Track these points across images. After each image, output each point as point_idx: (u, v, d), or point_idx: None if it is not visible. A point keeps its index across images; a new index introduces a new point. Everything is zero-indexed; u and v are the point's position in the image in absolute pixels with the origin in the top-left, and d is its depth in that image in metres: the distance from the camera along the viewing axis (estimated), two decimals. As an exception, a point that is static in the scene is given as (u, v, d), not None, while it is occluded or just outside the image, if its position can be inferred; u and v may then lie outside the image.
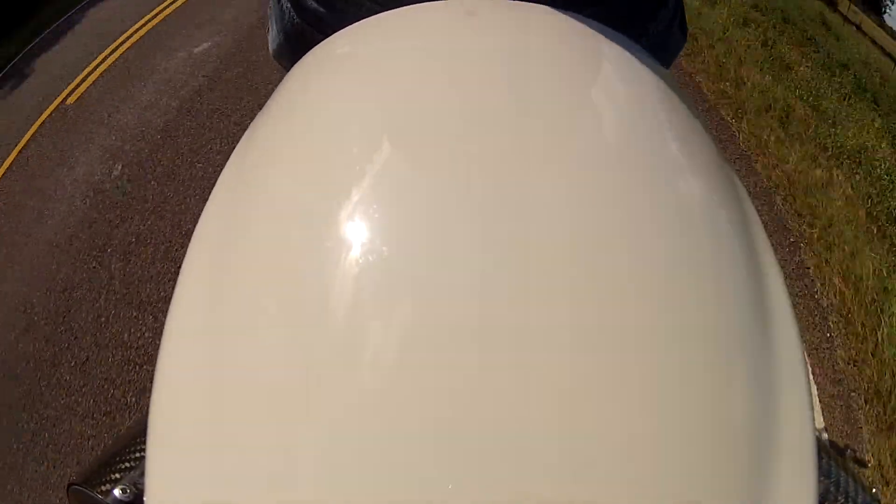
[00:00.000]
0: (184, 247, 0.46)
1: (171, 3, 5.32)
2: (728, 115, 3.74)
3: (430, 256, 0.32)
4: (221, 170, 0.46)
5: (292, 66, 0.52)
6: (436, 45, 0.44)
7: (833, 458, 0.47)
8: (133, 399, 2.40)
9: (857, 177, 3.56)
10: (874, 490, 0.45)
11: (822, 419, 2.18)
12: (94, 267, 3.00)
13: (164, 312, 0.39)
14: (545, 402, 0.28)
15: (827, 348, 2.49)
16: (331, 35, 0.48)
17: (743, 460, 0.30)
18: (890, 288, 2.77)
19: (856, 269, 2.79)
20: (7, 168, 3.93)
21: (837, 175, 3.47)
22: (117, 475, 0.43)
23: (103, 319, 2.74)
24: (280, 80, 0.53)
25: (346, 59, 0.47)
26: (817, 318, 2.58)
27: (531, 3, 0.45)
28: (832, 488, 0.43)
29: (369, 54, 0.46)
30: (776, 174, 3.30)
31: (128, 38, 4.96)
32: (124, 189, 3.45)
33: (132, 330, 2.66)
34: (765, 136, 3.55)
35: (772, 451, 0.30)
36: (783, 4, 6.06)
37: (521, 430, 0.28)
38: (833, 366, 2.42)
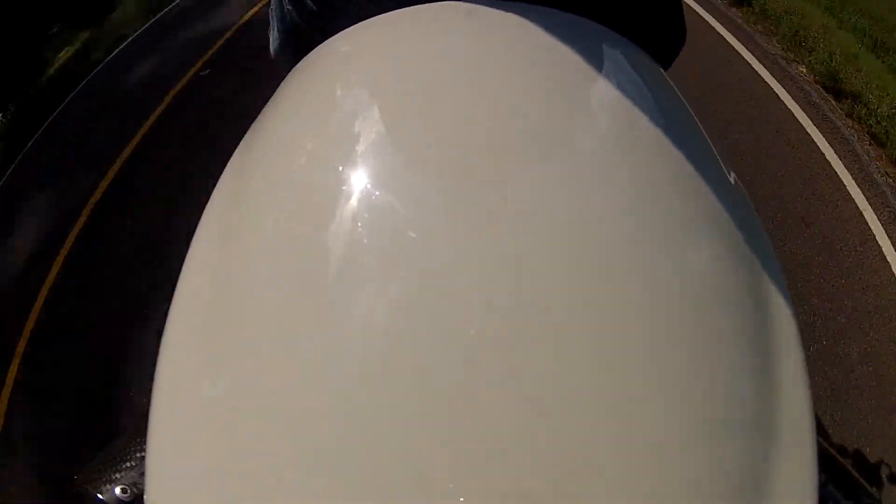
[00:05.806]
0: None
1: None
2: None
3: (426, 254, 0.33)
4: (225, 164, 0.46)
5: (293, 65, 0.52)
6: (435, 47, 0.45)
7: (833, 457, 0.47)
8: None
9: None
10: (874, 490, 0.45)
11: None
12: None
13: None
14: (539, 394, 0.29)
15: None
16: (331, 35, 0.49)
17: (743, 460, 0.30)
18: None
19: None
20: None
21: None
22: (118, 475, 0.43)
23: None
24: (281, 79, 0.54)
25: (346, 60, 0.48)
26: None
27: (530, 5, 0.45)
28: (832, 488, 0.44)
29: (370, 55, 0.47)
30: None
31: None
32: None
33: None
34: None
35: (772, 451, 0.31)
36: None
37: (516, 425, 0.28)
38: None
